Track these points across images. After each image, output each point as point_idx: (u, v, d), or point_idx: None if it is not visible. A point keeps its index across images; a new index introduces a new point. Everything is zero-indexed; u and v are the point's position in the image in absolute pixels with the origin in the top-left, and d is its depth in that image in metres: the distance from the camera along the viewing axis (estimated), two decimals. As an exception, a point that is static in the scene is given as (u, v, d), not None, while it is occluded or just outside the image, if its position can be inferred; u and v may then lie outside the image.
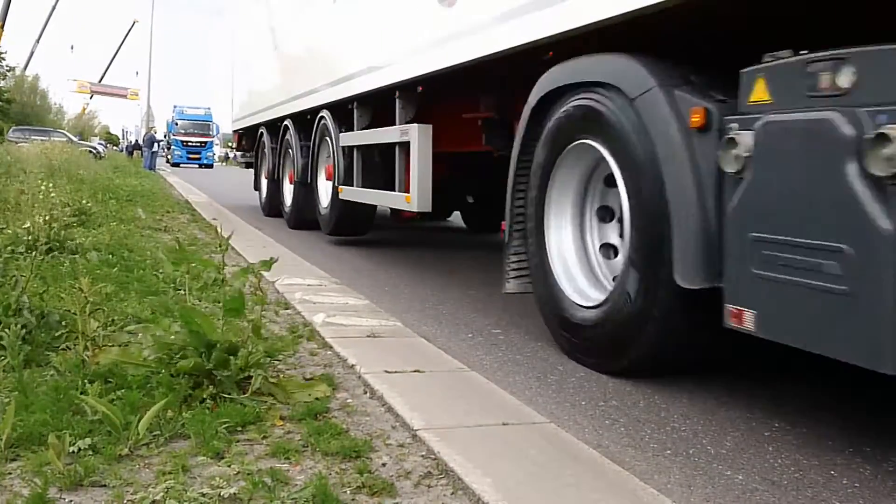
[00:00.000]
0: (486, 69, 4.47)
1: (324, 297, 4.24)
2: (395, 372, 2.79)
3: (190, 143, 47.02)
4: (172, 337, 2.50)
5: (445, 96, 5.78)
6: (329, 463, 2.01)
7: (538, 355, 3.51)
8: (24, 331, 2.73)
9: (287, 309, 3.96)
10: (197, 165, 45.40)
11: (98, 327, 2.87)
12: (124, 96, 69.66)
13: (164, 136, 51.95)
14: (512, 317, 4.34)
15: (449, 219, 10.37)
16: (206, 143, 47.73)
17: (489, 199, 7.44)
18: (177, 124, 47.68)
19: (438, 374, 2.87)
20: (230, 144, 23.47)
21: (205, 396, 2.35)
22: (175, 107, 50.22)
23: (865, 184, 2.06)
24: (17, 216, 5.86)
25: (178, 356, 2.43)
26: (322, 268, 5.58)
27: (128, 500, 1.73)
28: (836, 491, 2.14)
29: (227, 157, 65.09)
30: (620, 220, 3.26)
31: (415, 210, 5.67)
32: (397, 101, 5.91)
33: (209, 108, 49.65)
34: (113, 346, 2.77)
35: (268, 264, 2.80)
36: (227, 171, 37.19)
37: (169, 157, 50.59)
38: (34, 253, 4.11)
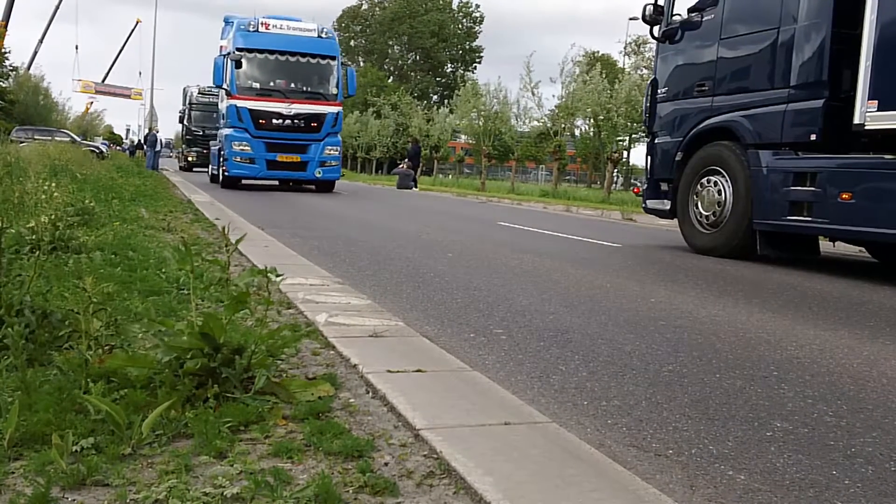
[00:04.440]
0: None
1: (326, 297, 4.24)
2: (398, 371, 2.79)
3: (283, 124, 17.98)
4: (185, 338, 2.50)
5: None
6: (331, 462, 2.01)
7: (540, 355, 3.51)
8: (27, 330, 2.73)
9: (290, 308, 3.96)
10: (291, 181, 19.13)
11: (101, 327, 2.87)
12: (128, 96, 70.00)
13: (185, 110, 33.54)
14: (514, 317, 4.34)
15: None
16: (322, 119, 18.29)
17: None
18: (239, 66, 17.97)
19: (441, 373, 2.86)
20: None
21: (208, 396, 2.35)
22: (228, 21, 20.09)
23: None
24: (20, 216, 5.87)
25: (188, 357, 2.43)
26: (324, 268, 5.58)
27: (130, 500, 1.74)
28: (839, 491, 2.14)
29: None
30: None
31: None
32: None
33: (326, 29, 19.34)
34: (117, 346, 2.78)
35: (275, 271, 2.82)
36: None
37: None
38: (38, 252, 4.12)
